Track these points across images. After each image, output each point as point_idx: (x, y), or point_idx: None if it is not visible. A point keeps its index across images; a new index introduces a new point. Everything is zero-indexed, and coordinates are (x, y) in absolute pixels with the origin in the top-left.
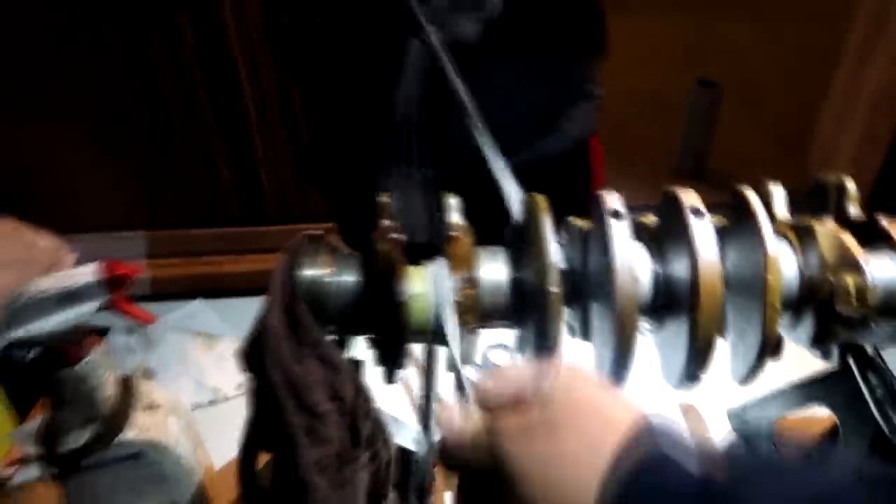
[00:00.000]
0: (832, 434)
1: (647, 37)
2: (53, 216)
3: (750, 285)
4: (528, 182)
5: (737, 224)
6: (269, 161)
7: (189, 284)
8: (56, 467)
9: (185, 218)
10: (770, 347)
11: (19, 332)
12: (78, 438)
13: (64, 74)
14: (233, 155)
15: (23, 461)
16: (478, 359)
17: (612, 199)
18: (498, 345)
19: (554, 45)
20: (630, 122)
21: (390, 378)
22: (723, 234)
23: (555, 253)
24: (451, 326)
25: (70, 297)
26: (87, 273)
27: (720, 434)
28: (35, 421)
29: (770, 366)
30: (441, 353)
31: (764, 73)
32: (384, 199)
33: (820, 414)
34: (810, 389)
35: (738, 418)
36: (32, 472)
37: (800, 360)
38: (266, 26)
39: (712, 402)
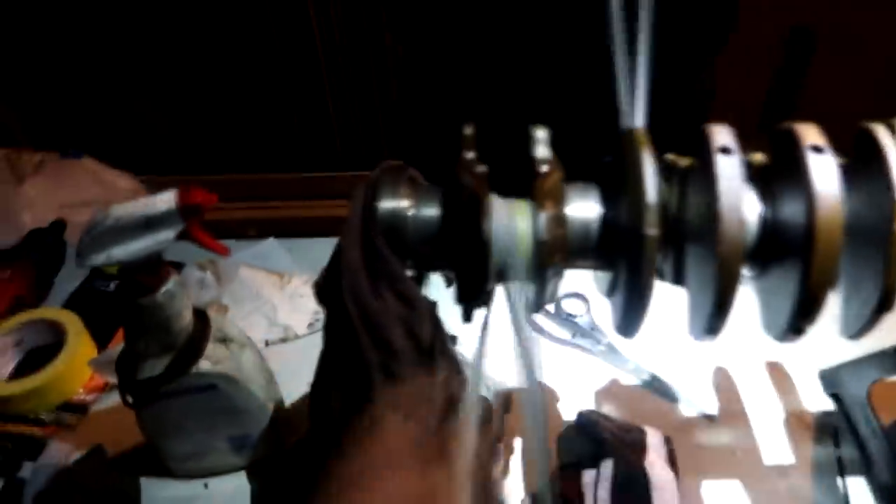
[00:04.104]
0: None
1: None
2: (130, 157)
3: (872, 233)
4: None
5: (860, 163)
6: (339, 107)
7: (261, 227)
8: (132, 394)
9: (257, 163)
10: (890, 301)
11: (101, 258)
12: (154, 367)
13: (136, 22)
14: (304, 102)
15: (102, 388)
16: (551, 307)
17: (721, 134)
18: (572, 293)
19: None
20: (720, 70)
21: (468, 317)
22: (842, 174)
23: (655, 192)
24: (534, 266)
25: (148, 223)
26: (165, 200)
27: (809, 395)
28: (114, 349)
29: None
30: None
31: (862, 17)
32: (468, 130)
33: None
34: None
35: (830, 380)
36: (112, 398)
37: None
38: None
39: (802, 360)
